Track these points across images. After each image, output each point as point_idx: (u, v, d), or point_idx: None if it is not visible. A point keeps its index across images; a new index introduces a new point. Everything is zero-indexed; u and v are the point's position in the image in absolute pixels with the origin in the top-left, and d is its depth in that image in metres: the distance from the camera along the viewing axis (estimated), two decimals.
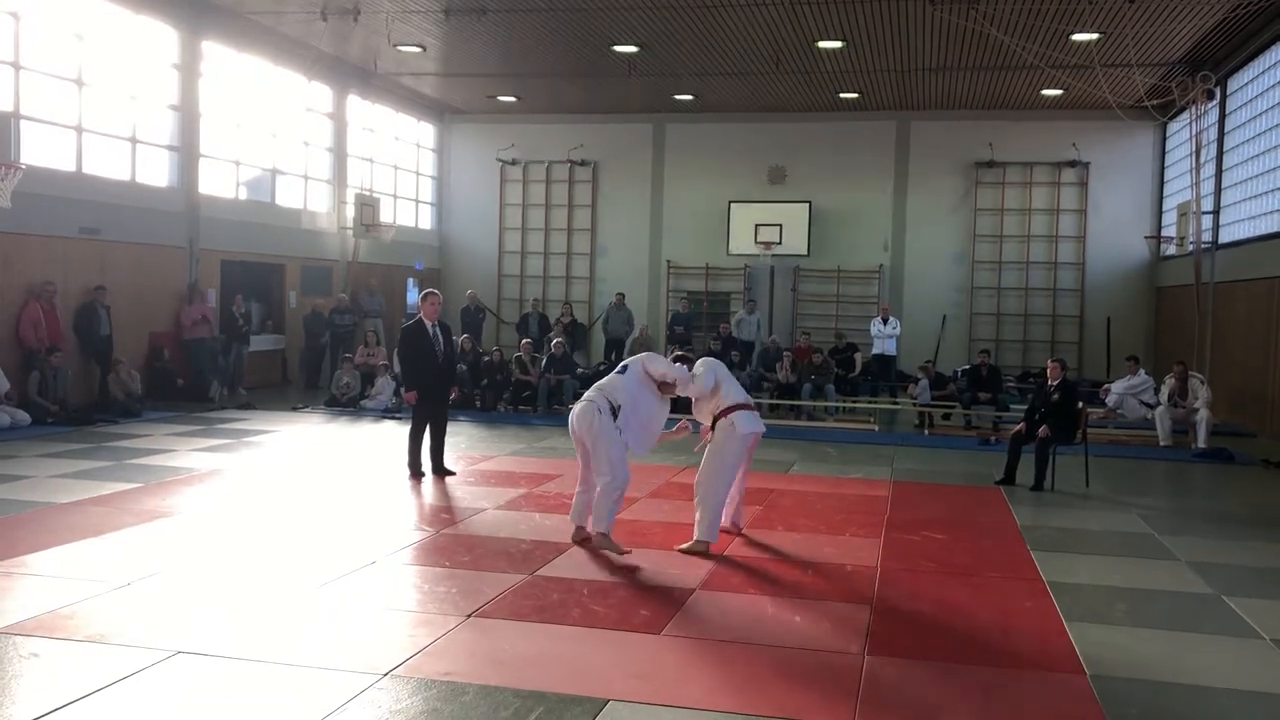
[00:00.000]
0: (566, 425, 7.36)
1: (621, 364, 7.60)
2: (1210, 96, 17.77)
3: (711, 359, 7.95)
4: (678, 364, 7.53)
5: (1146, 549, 7.92)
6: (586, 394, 7.34)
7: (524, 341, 17.11)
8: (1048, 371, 11.02)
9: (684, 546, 7.22)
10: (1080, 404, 10.92)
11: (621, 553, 7.01)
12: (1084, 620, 5.92)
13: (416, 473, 9.96)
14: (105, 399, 14.02)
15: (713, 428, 7.50)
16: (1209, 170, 17.99)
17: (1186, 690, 4.92)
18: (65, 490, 8.74)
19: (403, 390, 11.32)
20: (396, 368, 16.30)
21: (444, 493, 9.32)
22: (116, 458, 10.52)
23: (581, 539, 7.33)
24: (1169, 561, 7.52)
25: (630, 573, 6.64)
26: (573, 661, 5.05)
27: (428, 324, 9.97)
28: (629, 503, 8.28)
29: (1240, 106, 17.47)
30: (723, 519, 7.50)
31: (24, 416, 12.47)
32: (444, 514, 8.39)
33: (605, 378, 7.53)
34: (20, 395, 12.89)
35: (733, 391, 7.59)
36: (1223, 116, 18.11)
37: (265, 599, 5.89)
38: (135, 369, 14.73)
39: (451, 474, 10.04)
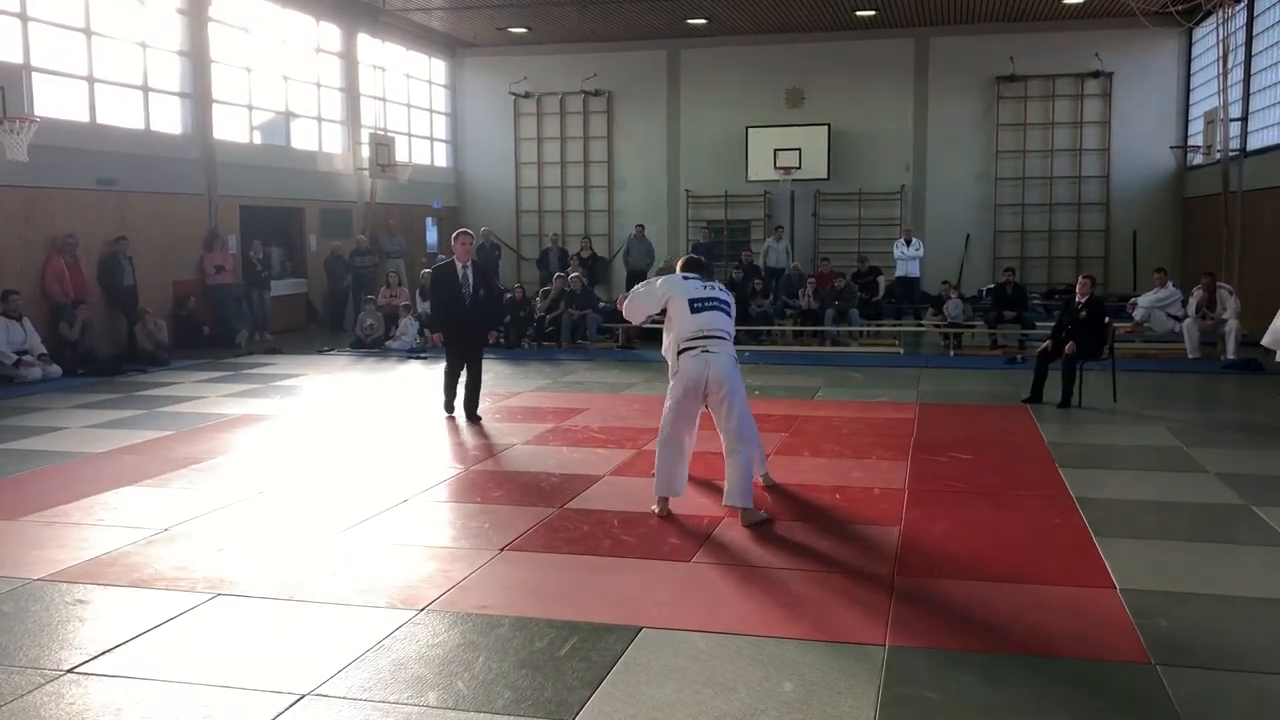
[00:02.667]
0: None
1: (704, 293, 6.28)
2: None
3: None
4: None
5: (1175, 462, 7.90)
6: (705, 336, 6.17)
7: (556, 276, 17.06)
8: (1077, 288, 10.86)
9: (764, 484, 6.91)
10: (1107, 319, 10.82)
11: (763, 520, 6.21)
12: (1113, 535, 5.93)
13: (449, 407, 9.94)
14: (133, 349, 14.15)
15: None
16: (1236, 75, 17.59)
17: (1217, 600, 4.94)
18: (100, 440, 8.87)
19: (428, 331, 11.09)
20: (419, 308, 16.38)
21: (472, 430, 9.38)
22: (147, 406, 10.65)
23: (667, 513, 6.32)
24: (1198, 474, 7.50)
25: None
26: (605, 591, 5.11)
27: (458, 264, 9.69)
28: (650, 436, 8.27)
29: (1269, 8, 17.01)
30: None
31: (55, 369, 12.61)
32: (473, 451, 8.46)
33: (703, 312, 6.19)
34: (52, 347, 13.00)
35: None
36: (1250, 19, 17.65)
37: (300, 540, 5.99)
38: (161, 318, 14.85)
39: (479, 419, 9.74)
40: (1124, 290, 19.50)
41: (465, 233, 9.91)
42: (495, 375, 12.87)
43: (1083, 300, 10.63)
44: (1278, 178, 15.88)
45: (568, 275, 16.90)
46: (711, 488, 6.95)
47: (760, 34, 22.06)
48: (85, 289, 13.78)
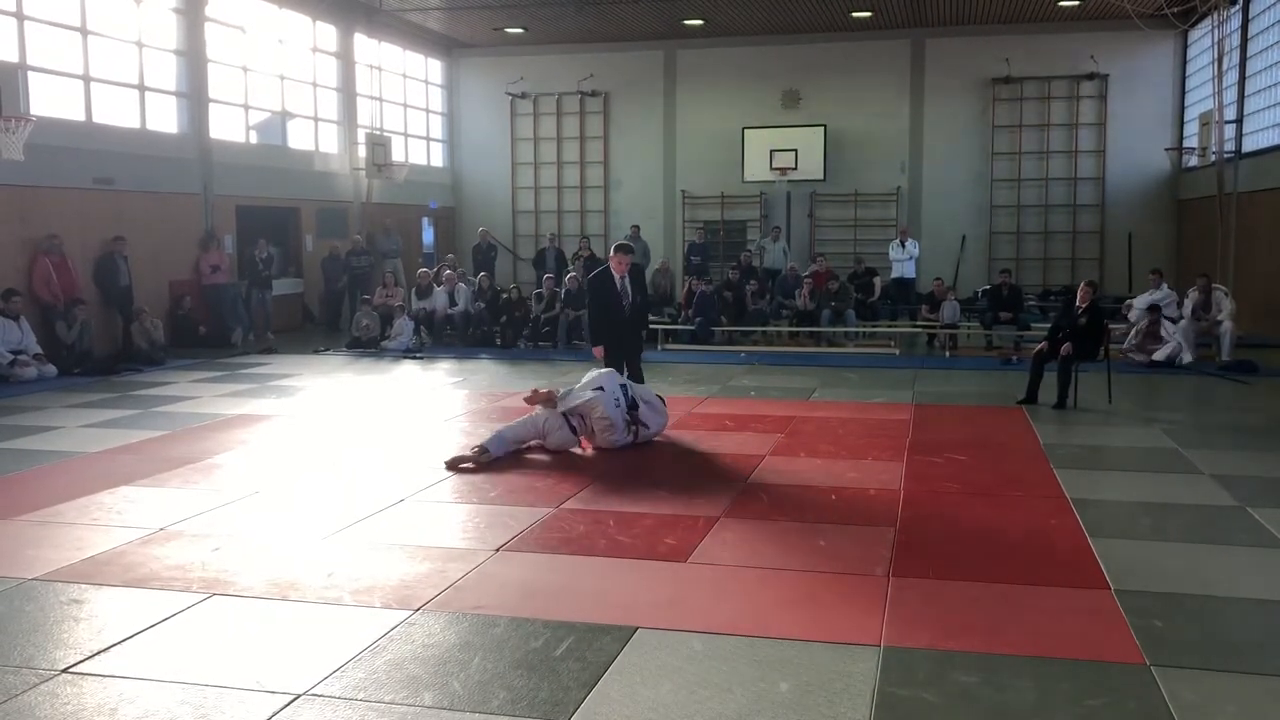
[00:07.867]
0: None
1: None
2: (1232, 1, 17.35)
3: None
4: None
5: (1170, 463, 7.92)
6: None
7: (545, 278, 17.09)
8: (1078, 295, 10.79)
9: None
10: (1104, 321, 10.82)
11: None
12: (1108, 536, 5.94)
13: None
14: (129, 349, 14.13)
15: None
16: (1231, 78, 17.63)
17: (1211, 601, 4.95)
18: (95, 439, 8.85)
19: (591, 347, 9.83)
20: (413, 307, 16.38)
21: (467, 430, 9.37)
22: (143, 406, 10.63)
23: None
24: (1192, 475, 7.52)
25: (654, 503, 6.70)
26: (601, 591, 5.11)
27: (615, 275, 9.10)
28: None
29: (1264, 10, 17.06)
30: None
31: (50, 369, 12.58)
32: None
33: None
34: (46, 347, 12.94)
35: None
36: (1245, 21, 17.69)
37: (295, 540, 5.98)
38: (157, 318, 14.82)
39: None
40: (1119, 292, 19.53)
41: (627, 248, 9.32)
42: (491, 376, 12.87)
43: (1083, 307, 10.61)
44: (1272, 179, 15.92)
45: (565, 276, 16.90)
46: (707, 489, 6.95)
47: (757, 35, 22.07)
48: (74, 289, 13.70)
